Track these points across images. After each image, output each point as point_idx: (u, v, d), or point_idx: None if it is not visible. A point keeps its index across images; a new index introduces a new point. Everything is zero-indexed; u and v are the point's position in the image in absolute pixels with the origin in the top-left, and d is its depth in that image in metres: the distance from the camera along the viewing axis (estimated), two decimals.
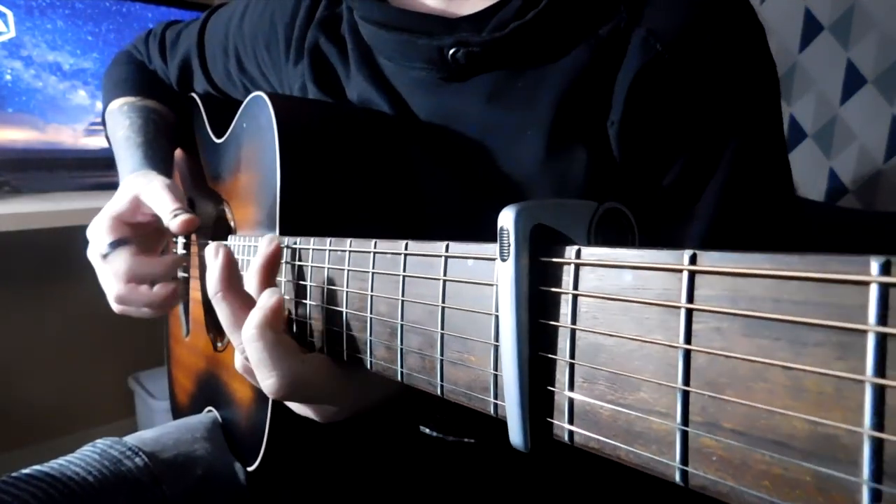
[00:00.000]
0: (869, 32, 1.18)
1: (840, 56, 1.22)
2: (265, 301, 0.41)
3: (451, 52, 0.50)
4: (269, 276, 0.44)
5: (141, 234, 0.67)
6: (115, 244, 0.63)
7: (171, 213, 0.62)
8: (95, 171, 1.62)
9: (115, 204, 0.66)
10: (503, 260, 0.24)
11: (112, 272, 0.63)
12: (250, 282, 0.44)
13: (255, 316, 0.40)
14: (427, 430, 0.53)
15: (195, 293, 0.79)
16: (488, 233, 0.32)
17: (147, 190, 0.65)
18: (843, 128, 1.24)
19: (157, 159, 0.73)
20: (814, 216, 0.95)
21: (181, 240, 0.81)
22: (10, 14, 1.44)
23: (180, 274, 0.82)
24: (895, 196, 1.17)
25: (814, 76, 1.27)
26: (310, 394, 0.43)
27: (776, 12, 1.29)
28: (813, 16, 1.26)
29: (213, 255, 0.44)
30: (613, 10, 0.47)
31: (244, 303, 0.43)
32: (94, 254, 0.65)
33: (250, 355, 0.41)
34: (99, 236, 0.64)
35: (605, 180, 0.48)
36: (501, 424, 0.26)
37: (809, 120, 1.29)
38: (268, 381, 0.40)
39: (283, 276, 0.47)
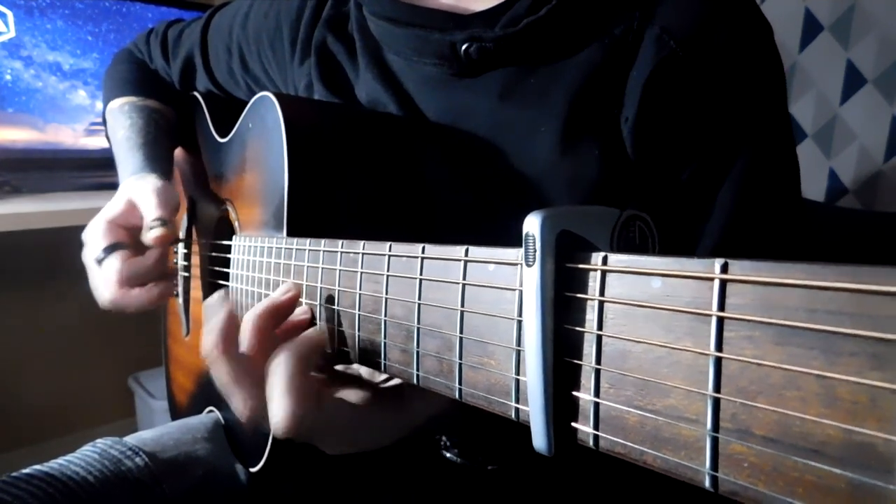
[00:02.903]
0: (869, 32, 1.18)
1: (840, 56, 1.23)
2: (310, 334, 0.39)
3: (464, 47, 0.50)
4: (272, 325, 0.42)
5: (136, 236, 0.67)
6: (109, 249, 0.63)
7: (148, 224, 0.62)
8: (95, 171, 1.61)
9: (111, 208, 0.66)
10: (528, 265, 0.24)
11: (105, 277, 0.63)
12: (246, 324, 0.41)
13: (300, 341, 0.39)
14: (449, 455, 0.53)
15: (196, 292, 0.79)
16: (500, 232, 0.32)
17: (138, 193, 0.65)
18: (843, 128, 1.24)
19: (158, 160, 0.73)
20: (814, 216, 0.95)
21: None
22: (10, 14, 1.43)
23: (181, 274, 0.82)
24: (895, 196, 1.18)
25: (814, 76, 1.28)
26: (319, 438, 0.41)
27: (776, 12, 1.29)
28: (813, 16, 1.26)
29: (218, 306, 0.41)
30: (626, 8, 0.48)
31: (241, 357, 0.40)
32: (88, 257, 0.66)
33: (273, 382, 0.37)
34: (95, 241, 0.64)
35: (617, 178, 0.48)
36: (525, 450, 0.26)
37: (809, 120, 1.29)
38: (279, 415, 0.37)
39: (292, 279, 0.47)
